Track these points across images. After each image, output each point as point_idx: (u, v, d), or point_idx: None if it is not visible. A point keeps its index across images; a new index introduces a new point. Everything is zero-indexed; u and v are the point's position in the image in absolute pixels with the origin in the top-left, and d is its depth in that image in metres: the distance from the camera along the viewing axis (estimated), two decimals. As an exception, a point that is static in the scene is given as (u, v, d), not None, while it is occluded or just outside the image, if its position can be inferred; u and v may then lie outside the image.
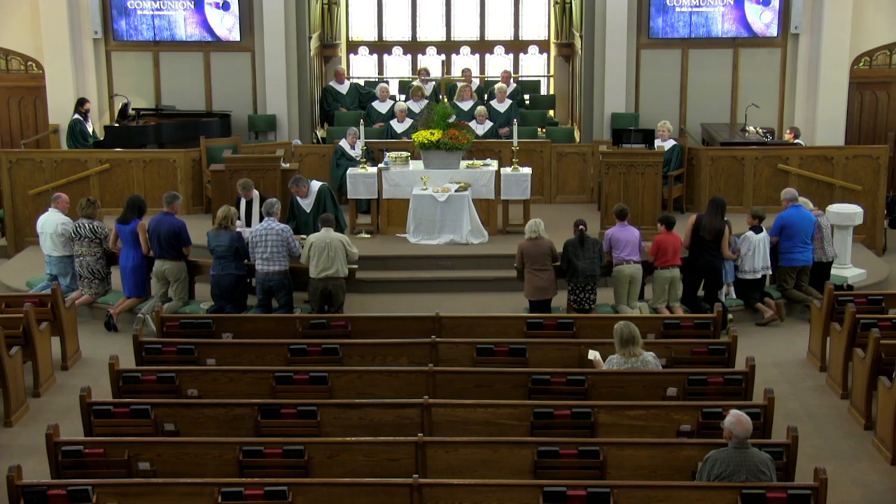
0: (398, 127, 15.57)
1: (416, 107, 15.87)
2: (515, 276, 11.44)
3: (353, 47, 20.05)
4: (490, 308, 11.74)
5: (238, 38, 16.47)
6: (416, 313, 10.54)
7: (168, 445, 7.69)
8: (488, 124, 15.43)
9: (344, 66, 18.98)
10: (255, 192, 12.39)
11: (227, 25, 16.43)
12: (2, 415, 9.49)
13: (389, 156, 13.72)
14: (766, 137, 15.18)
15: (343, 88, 17.27)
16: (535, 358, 9.37)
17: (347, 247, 11.24)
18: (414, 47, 20.03)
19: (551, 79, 19.83)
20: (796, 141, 14.93)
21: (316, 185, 12.39)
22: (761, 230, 11.66)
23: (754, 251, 11.59)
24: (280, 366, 9.26)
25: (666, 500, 6.97)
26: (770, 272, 11.87)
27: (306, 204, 12.47)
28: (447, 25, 20.03)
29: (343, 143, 14.63)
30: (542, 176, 14.93)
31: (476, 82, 17.85)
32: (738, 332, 9.87)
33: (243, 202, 12.42)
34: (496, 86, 16.67)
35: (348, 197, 13.69)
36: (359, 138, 14.09)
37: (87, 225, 11.72)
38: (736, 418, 6.94)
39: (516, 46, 20.06)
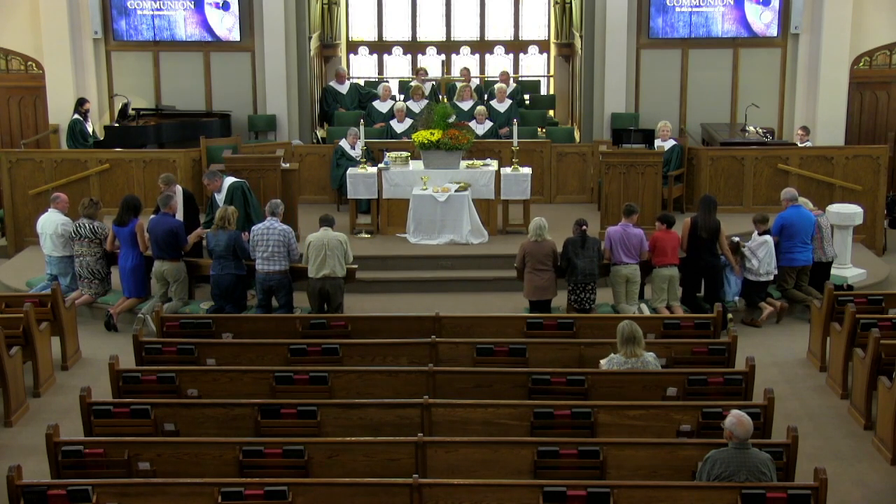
0: (398, 127, 15.57)
1: (416, 107, 15.88)
2: (515, 276, 11.44)
3: (353, 47, 20.05)
4: (490, 308, 11.74)
5: (238, 38, 16.48)
6: (416, 313, 10.53)
7: (168, 445, 7.69)
8: (488, 124, 15.44)
9: (344, 66, 18.99)
10: (178, 187, 12.24)
11: (227, 25, 16.43)
12: (2, 415, 9.49)
13: (389, 156, 13.73)
14: (766, 137, 15.19)
15: (343, 88, 17.27)
16: (535, 358, 9.37)
17: (346, 247, 11.23)
18: (414, 47, 20.03)
19: (551, 79, 19.83)
20: (806, 142, 14.92)
21: (229, 180, 12.25)
22: (770, 233, 11.68)
23: (771, 254, 11.59)
24: (280, 366, 9.26)
25: (666, 500, 6.97)
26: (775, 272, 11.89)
27: (219, 199, 12.13)
28: (447, 25, 20.04)
29: (343, 143, 14.64)
30: (542, 176, 14.93)
31: (476, 82, 17.86)
32: (738, 332, 9.88)
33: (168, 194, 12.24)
34: (496, 86, 16.67)
35: (348, 197, 13.69)
36: (359, 138, 14.10)
37: (87, 225, 11.72)
38: (737, 419, 6.93)
39: (516, 46, 20.07)
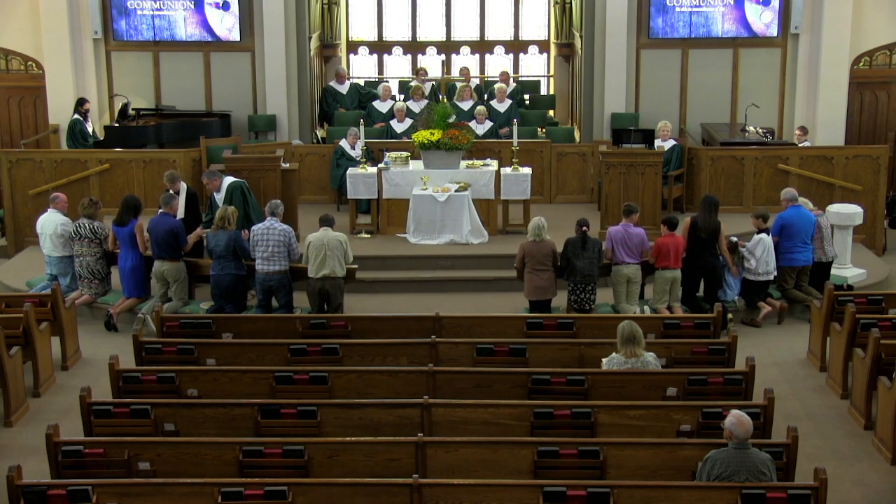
0: (398, 127, 15.58)
1: (416, 107, 15.88)
2: (515, 276, 11.45)
3: (353, 47, 20.05)
4: (490, 308, 11.74)
5: (238, 38, 16.48)
6: (416, 313, 10.53)
7: (168, 445, 7.69)
8: (488, 124, 15.44)
9: (344, 66, 18.99)
10: (183, 184, 12.22)
11: (227, 25, 16.43)
12: (2, 415, 9.50)
13: (389, 156, 13.73)
14: (766, 137, 15.19)
15: (343, 88, 17.27)
16: (535, 358, 9.37)
17: (346, 247, 11.23)
18: (414, 47, 20.03)
19: (551, 79, 19.83)
20: (805, 142, 14.93)
21: (228, 180, 12.27)
22: (769, 231, 11.68)
23: (769, 253, 11.59)
24: (280, 366, 9.26)
25: (666, 500, 6.97)
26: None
27: (218, 199, 12.15)
28: (447, 25, 20.04)
29: (343, 143, 14.64)
30: (542, 176, 14.93)
31: (476, 82, 17.86)
32: (738, 332, 9.88)
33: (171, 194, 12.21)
34: (496, 86, 16.67)
35: (348, 197, 13.70)
36: (359, 138, 14.10)
37: (87, 225, 11.72)
38: (737, 419, 6.93)
39: (516, 46, 20.06)
